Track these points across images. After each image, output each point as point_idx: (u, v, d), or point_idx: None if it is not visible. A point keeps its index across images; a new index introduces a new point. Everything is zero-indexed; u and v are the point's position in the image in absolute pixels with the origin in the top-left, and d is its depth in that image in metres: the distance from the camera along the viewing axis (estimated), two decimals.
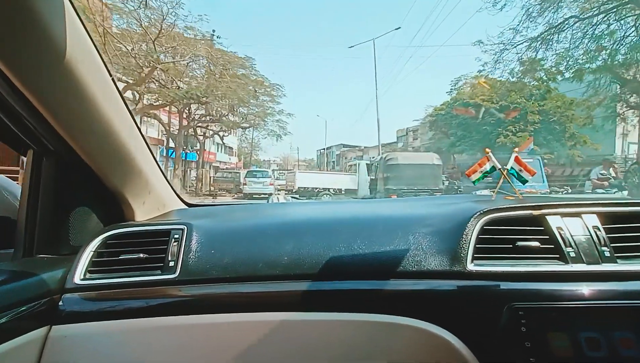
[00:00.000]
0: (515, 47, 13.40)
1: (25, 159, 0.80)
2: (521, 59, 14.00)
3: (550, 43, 12.68)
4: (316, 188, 13.72)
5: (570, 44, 12.44)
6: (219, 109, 15.85)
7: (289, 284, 0.73)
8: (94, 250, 0.77)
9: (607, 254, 0.71)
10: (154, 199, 0.98)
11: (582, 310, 0.66)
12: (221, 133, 18.55)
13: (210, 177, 19.15)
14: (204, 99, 12.17)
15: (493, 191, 1.03)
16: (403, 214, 0.89)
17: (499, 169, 0.99)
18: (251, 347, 0.69)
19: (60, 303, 0.70)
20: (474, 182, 1.04)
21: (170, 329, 0.70)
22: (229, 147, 38.64)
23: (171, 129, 15.80)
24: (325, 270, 0.73)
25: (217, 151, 34.96)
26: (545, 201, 0.81)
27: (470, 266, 0.71)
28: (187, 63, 11.99)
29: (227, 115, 15.93)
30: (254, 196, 15.55)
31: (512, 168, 0.98)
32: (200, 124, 17.77)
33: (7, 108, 0.64)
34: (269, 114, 17.49)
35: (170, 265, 0.74)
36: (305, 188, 14.50)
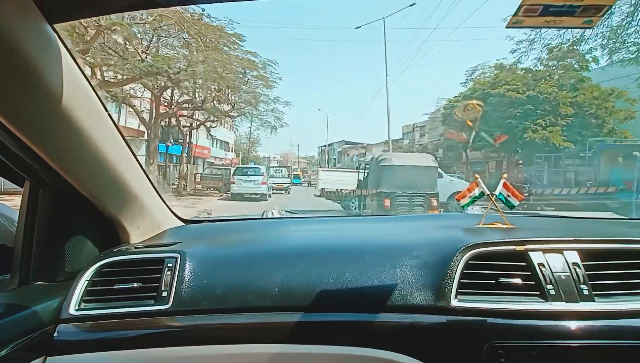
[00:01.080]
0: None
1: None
2: (562, 36, 11.73)
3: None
4: (343, 191, 10.38)
5: (622, 23, 10.19)
6: (201, 93, 13.55)
7: (279, 315, 0.75)
8: (88, 279, 0.78)
9: (586, 292, 0.73)
10: (150, 221, 1.00)
11: (560, 349, 0.69)
12: (208, 124, 16.12)
13: (195, 174, 16.82)
14: (176, 76, 9.81)
15: (484, 210, 1.07)
16: (391, 243, 0.91)
17: (488, 194, 1.02)
18: None
19: (55, 334, 0.72)
20: (463, 206, 1.08)
21: (163, 360, 0.72)
22: (225, 142, 36.41)
23: (158, 120, 13.45)
24: (315, 302, 0.75)
25: (212, 145, 32.77)
26: (529, 233, 0.89)
27: (454, 302, 0.73)
28: (155, 30, 9.68)
29: (212, 101, 13.57)
30: (244, 196, 13.28)
31: (500, 193, 1.01)
32: (183, 113, 15.44)
33: (3, 145, 0.66)
34: (262, 102, 15.16)
35: (163, 295, 0.76)
36: (330, 191, 10.98)
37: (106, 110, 0.74)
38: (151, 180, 0.97)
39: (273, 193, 16.55)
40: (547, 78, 15.84)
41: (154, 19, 8.99)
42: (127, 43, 9.26)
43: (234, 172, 14.50)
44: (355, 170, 11.81)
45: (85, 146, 0.70)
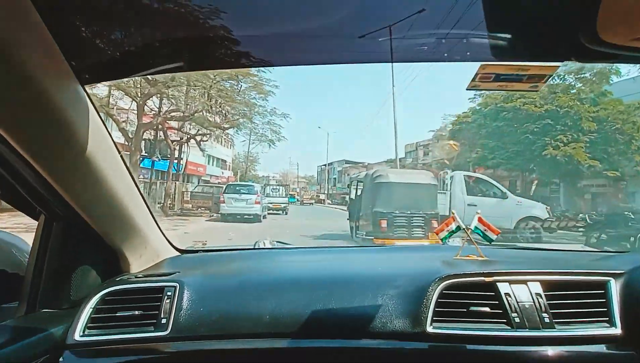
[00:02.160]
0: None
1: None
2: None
3: None
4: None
5: None
6: (190, 103, 12.28)
7: (270, 341, 0.81)
8: (93, 306, 0.83)
9: (547, 320, 0.80)
10: (150, 251, 1.07)
11: None
12: (199, 137, 14.74)
13: (183, 192, 15.30)
14: (163, 83, 8.47)
15: (460, 248, 1.09)
16: (375, 274, 0.97)
17: (464, 228, 1.08)
18: None
19: (61, 359, 0.76)
20: (442, 239, 1.13)
21: None
22: (222, 159, 35.14)
23: (140, 131, 12.08)
24: (303, 328, 0.81)
25: (208, 163, 31.52)
26: (499, 266, 0.93)
27: (430, 329, 0.79)
28: None
29: (202, 111, 12.25)
30: (236, 217, 11.70)
31: (476, 227, 1.06)
32: (170, 125, 14.13)
33: (23, 180, 0.73)
34: (257, 113, 13.90)
35: (162, 322, 0.82)
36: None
37: (119, 151, 0.82)
38: (151, 211, 1.02)
39: (269, 213, 14.99)
40: (566, 92, 14.69)
41: None
42: None
43: (224, 190, 12.94)
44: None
45: (101, 184, 0.77)
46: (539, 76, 0.58)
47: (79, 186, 0.76)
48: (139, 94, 11.05)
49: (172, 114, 12.81)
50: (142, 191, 0.95)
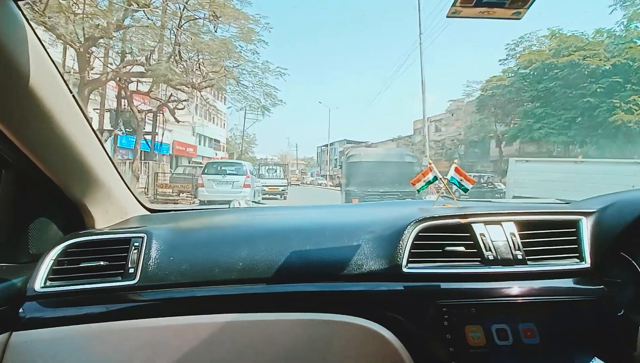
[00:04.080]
0: None
1: None
2: None
3: None
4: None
5: None
6: (152, 50, 9.07)
7: (243, 287, 0.77)
8: (54, 258, 0.78)
9: (520, 257, 0.80)
10: (115, 207, 0.99)
11: (495, 305, 0.76)
12: (172, 105, 11.48)
13: (157, 174, 12.21)
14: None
15: (437, 196, 1.12)
16: (349, 222, 0.96)
17: (441, 178, 1.07)
18: (208, 347, 0.73)
19: (21, 310, 0.72)
20: (418, 190, 1.13)
21: (130, 332, 0.72)
22: (215, 140, 31.86)
23: (84, 91, 8.88)
24: (277, 274, 0.78)
25: (199, 143, 28.42)
26: (475, 209, 0.91)
27: (405, 269, 0.78)
28: None
29: (169, 60, 9.02)
30: (218, 204, 8.79)
31: (452, 177, 1.07)
32: (136, 91, 10.92)
33: None
34: (246, 72, 10.71)
35: (130, 271, 0.76)
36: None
37: (71, 93, 0.74)
38: (117, 167, 0.97)
39: (264, 198, 12.16)
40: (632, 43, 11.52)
41: None
42: None
43: (204, 170, 9.88)
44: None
45: (51, 126, 0.71)
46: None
47: (27, 127, 0.70)
48: (78, 38, 7.88)
49: (129, 67, 9.50)
50: (103, 143, 0.88)
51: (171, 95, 11.20)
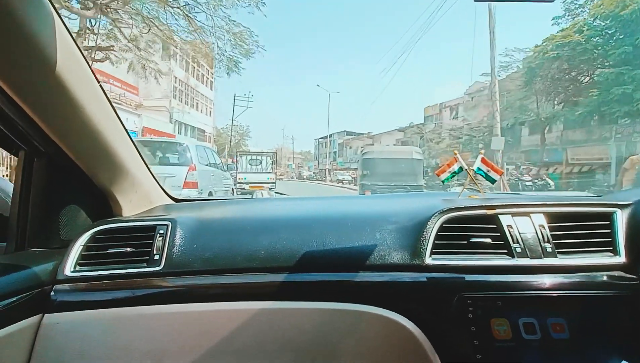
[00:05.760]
0: None
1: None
2: None
3: None
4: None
5: None
6: None
7: (265, 276, 0.78)
8: (83, 244, 0.81)
9: (549, 249, 0.78)
10: (141, 196, 1.02)
11: (522, 299, 0.74)
12: (95, 53, 7.54)
13: None
14: None
15: (463, 188, 1.09)
16: (372, 212, 0.97)
17: (466, 169, 1.05)
18: (230, 333, 0.74)
19: (52, 293, 0.75)
20: (443, 181, 1.10)
21: (155, 317, 0.74)
22: (199, 129, 27.78)
23: None
24: (299, 263, 0.79)
25: (178, 132, 24.40)
26: (502, 201, 0.88)
27: (428, 260, 0.78)
28: None
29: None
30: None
31: (478, 168, 1.04)
32: None
33: (1, 112, 0.68)
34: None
35: (155, 258, 0.79)
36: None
37: (98, 82, 0.76)
38: (143, 157, 0.98)
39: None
40: None
41: None
42: None
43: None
44: None
45: (81, 115, 0.73)
46: None
47: (57, 116, 0.72)
48: None
49: None
50: (128, 132, 0.90)
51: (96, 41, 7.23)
